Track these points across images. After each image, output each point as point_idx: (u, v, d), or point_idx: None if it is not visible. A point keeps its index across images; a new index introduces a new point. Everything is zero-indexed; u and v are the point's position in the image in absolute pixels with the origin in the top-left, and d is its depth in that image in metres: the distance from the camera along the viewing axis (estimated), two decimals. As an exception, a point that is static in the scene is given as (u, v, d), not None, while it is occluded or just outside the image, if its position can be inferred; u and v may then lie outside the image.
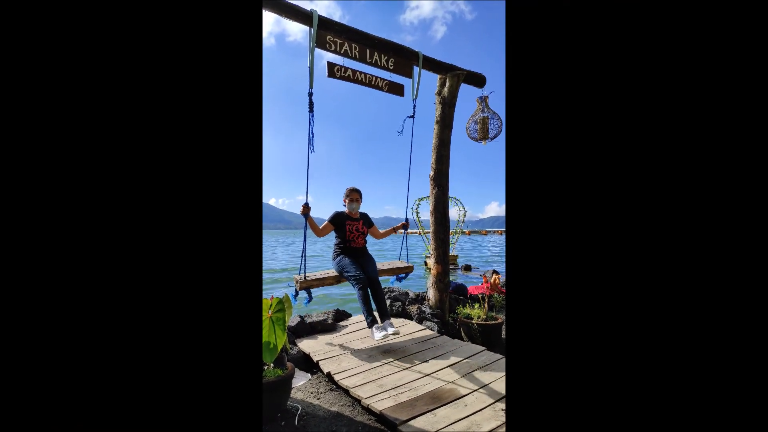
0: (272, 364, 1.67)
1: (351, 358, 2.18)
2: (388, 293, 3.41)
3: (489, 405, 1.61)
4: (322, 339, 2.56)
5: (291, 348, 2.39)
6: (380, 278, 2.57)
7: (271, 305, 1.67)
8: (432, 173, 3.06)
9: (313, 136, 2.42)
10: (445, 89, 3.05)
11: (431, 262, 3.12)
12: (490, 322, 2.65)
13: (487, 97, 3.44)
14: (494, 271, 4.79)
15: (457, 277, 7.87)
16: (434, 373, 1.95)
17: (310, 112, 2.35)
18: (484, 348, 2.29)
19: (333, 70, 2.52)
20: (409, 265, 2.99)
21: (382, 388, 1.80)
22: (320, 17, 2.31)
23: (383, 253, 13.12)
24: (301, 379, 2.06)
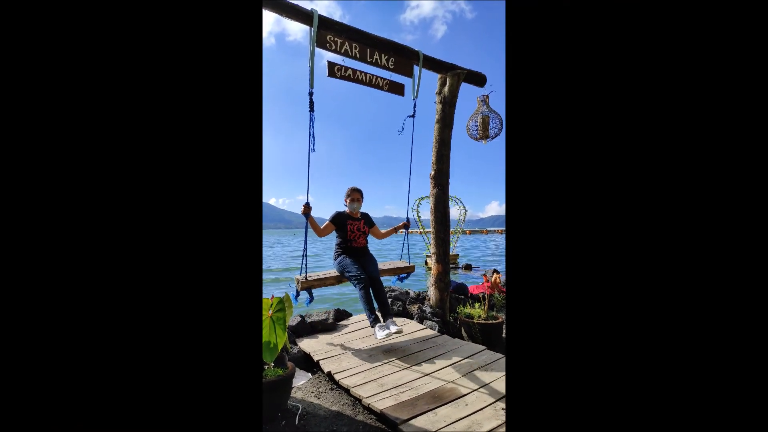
0: (272, 364, 1.67)
1: (351, 358, 2.19)
2: (389, 293, 3.41)
3: (490, 404, 1.61)
4: (323, 338, 2.56)
5: (291, 347, 2.39)
6: (381, 278, 2.57)
7: (271, 305, 1.68)
8: (432, 172, 3.06)
9: (313, 136, 2.42)
10: (446, 88, 3.05)
11: (432, 261, 3.12)
12: (490, 322, 2.65)
13: (487, 96, 3.44)
14: (495, 271, 4.80)
15: (458, 276, 7.87)
16: (435, 372, 1.95)
17: (310, 111, 2.35)
18: (484, 347, 2.29)
19: (333, 70, 2.52)
20: (411, 265, 2.98)
21: (382, 387, 1.80)
22: (320, 17, 2.30)
23: (384, 252, 13.11)
24: (301, 379, 2.06)
